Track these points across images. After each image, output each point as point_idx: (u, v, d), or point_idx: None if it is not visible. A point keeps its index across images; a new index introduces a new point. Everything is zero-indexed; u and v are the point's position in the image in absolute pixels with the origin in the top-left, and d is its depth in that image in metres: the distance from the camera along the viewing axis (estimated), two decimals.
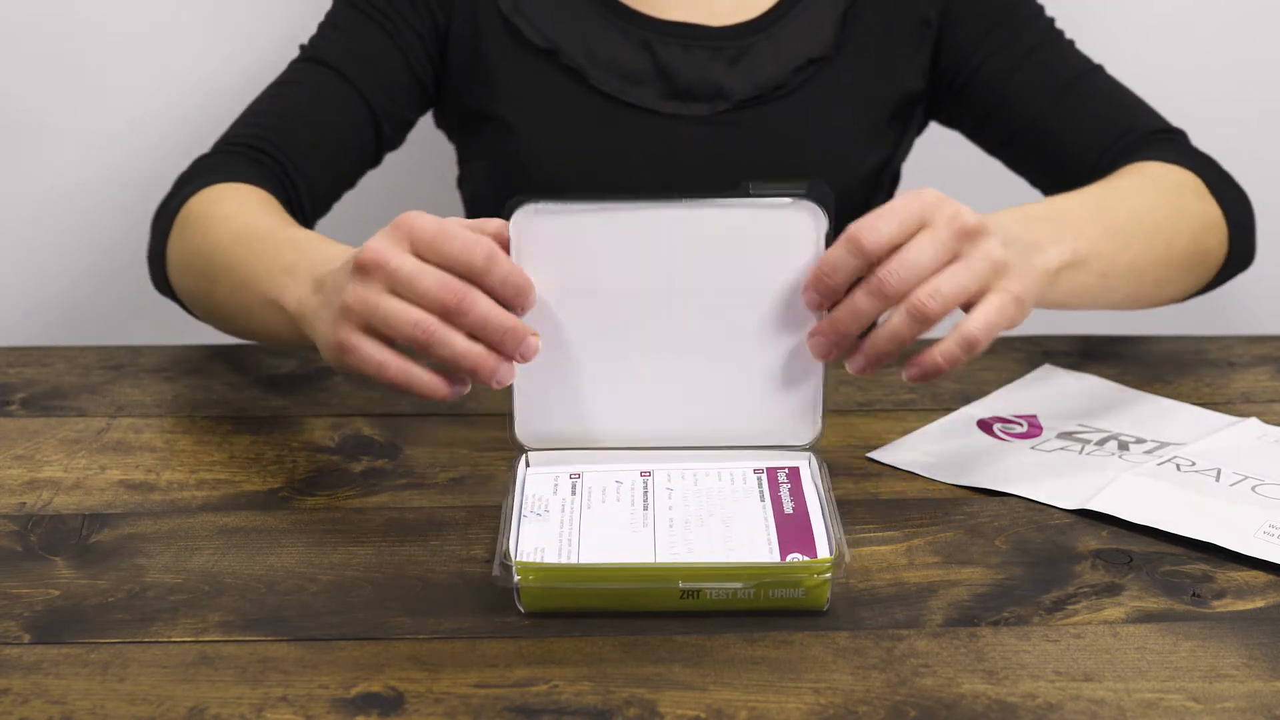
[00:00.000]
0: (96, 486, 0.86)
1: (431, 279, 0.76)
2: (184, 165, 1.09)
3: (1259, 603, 0.75)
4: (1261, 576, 0.77)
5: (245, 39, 1.47)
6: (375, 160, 1.17)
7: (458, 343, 0.76)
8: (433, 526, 0.82)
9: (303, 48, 1.16)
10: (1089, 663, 0.69)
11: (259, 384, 1.00)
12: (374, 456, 0.90)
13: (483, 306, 0.76)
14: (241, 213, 0.98)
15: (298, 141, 1.10)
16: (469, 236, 0.76)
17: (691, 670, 0.68)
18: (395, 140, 1.17)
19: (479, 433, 0.93)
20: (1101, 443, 0.91)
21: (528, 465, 0.82)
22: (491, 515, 0.82)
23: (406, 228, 0.77)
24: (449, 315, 0.76)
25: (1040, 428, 0.93)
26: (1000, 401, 0.97)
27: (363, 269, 0.77)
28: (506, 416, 0.82)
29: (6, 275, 1.54)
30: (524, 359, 0.77)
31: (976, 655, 0.70)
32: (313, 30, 1.17)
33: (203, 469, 0.88)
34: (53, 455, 0.90)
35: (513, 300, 0.77)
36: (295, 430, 0.93)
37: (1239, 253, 1.08)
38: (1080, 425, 0.94)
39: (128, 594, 0.75)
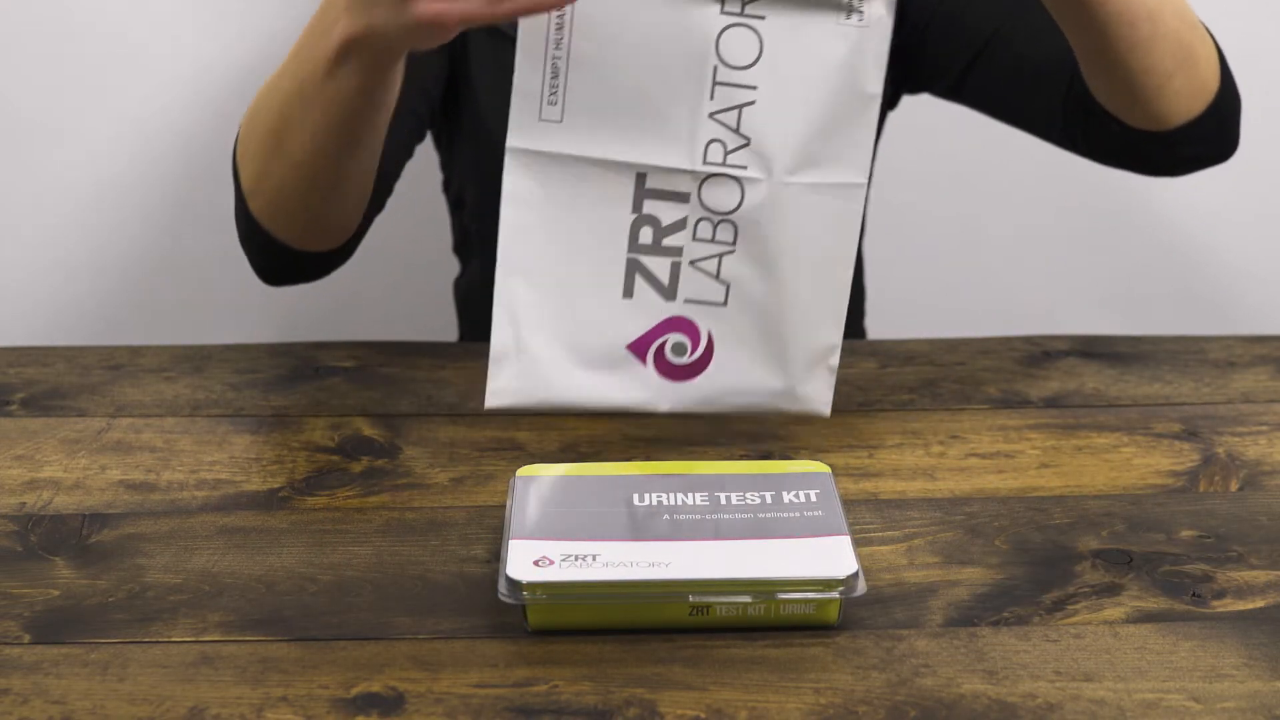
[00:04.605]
0: (96, 486, 0.86)
1: None
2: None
3: (1259, 603, 0.75)
4: (1261, 576, 0.77)
5: (245, 39, 1.47)
6: (410, 151, 1.14)
7: None
8: (433, 526, 0.82)
9: None
10: (1089, 663, 0.69)
11: (259, 384, 1.00)
12: (374, 456, 0.90)
13: None
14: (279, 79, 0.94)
15: None
16: None
17: (691, 670, 0.68)
18: (425, 129, 1.15)
19: (479, 433, 0.93)
20: None
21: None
22: (491, 515, 0.82)
23: None
24: None
25: None
26: None
27: None
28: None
29: (6, 275, 1.54)
30: None
31: (977, 655, 0.70)
32: None
33: (203, 469, 0.89)
34: (53, 455, 0.90)
35: None
36: (295, 430, 0.93)
37: (1220, 112, 1.02)
38: None
39: (128, 594, 0.75)
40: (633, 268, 0.87)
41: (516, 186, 0.85)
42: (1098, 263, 1.64)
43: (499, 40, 1.14)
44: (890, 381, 1.01)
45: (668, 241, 0.87)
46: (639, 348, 0.88)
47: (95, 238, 1.53)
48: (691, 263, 0.87)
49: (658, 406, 0.90)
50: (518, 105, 0.84)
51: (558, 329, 0.87)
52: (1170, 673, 0.69)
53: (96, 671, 0.68)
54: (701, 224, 0.86)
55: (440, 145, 1.26)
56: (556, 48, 0.82)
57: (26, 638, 0.71)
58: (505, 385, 0.88)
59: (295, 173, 0.92)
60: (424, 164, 1.29)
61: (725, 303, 0.88)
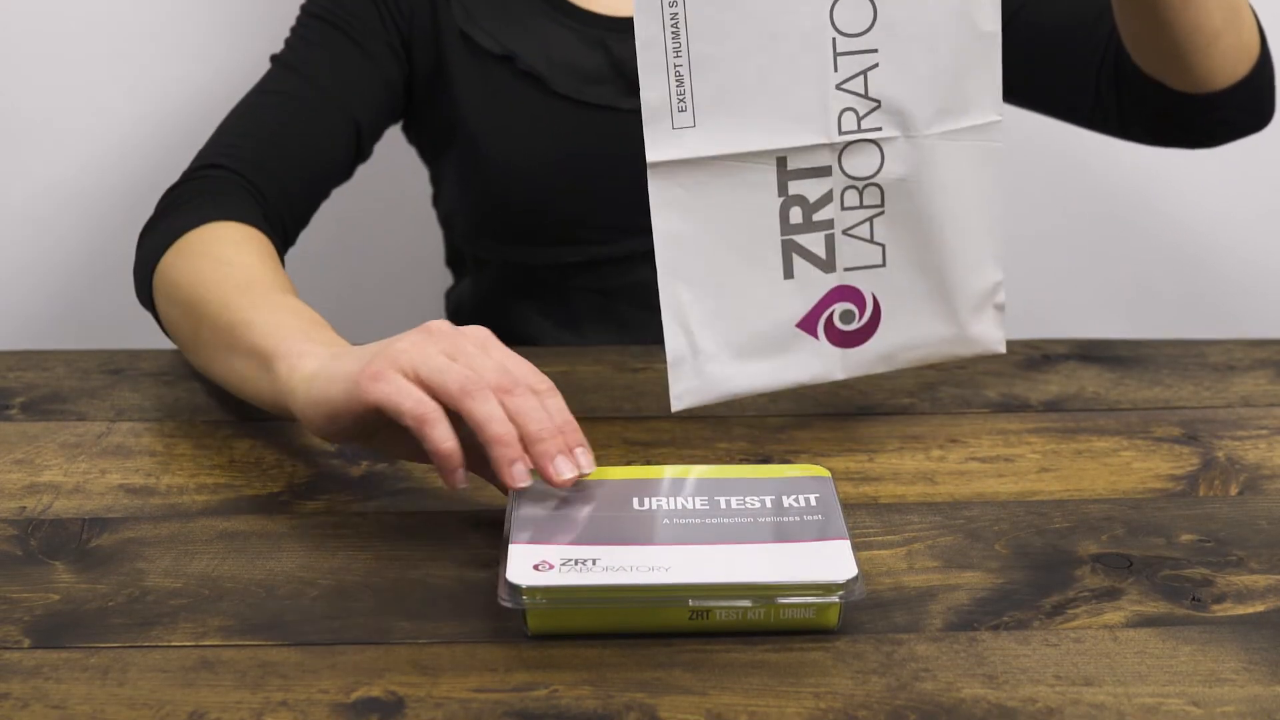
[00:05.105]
0: (96, 491, 0.86)
1: (492, 363, 0.76)
2: (182, 166, 1.09)
3: (1259, 607, 0.75)
4: (1261, 580, 0.77)
5: (245, 40, 1.47)
6: (349, 172, 1.15)
7: (495, 407, 0.75)
8: (433, 531, 0.82)
9: (274, 59, 1.15)
10: (1089, 667, 0.69)
11: None
12: (374, 460, 0.90)
13: (532, 401, 0.75)
14: (244, 262, 0.95)
15: (278, 160, 1.07)
16: (534, 367, 0.78)
17: (691, 675, 0.68)
18: (367, 151, 1.16)
19: None
20: None
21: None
22: (492, 519, 0.82)
23: (484, 332, 0.79)
24: (498, 390, 0.75)
25: None
26: None
27: (430, 330, 0.77)
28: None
29: (6, 278, 1.54)
30: (577, 466, 0.76)
31: (976, 659, 0.70)
32: None
33: (203, 473, 0.89)
34: (53, 459, 0.90)
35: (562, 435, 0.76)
36: (295, 434, 0.93)
37: (1262, 77, 1.03)
38: None
39: (128, 598, 0.75)
40: (789, 248, 0.89)
41: (663, 196, 0.87)
42: (1097, 266, 1.64)
43: (482, 59, 1.14)
44: (890, 385, 1.01)
45: (818, 216, 0.89)
46: (808, 324, 0.91)
47: (96, 240, 1.53)
48: (844, 231, 0.90)
49: (834, 375, 0.92)
50: (649, 120, 0.85)
51: (727, 324, 0.89)
52: (1170, 677, 0.69)
53: (96, 676, 0.68)
54: (848, 193, 0.89)
55: (426, 159, 1.26)
56: (676, 55, 0.84)
57: (26, 642, 0.71)
58: (687, 387, 0.90)
59: (195, 352, 0.95)
60: (419, 172, 1.29)
61: (884, 263, 0.91)
